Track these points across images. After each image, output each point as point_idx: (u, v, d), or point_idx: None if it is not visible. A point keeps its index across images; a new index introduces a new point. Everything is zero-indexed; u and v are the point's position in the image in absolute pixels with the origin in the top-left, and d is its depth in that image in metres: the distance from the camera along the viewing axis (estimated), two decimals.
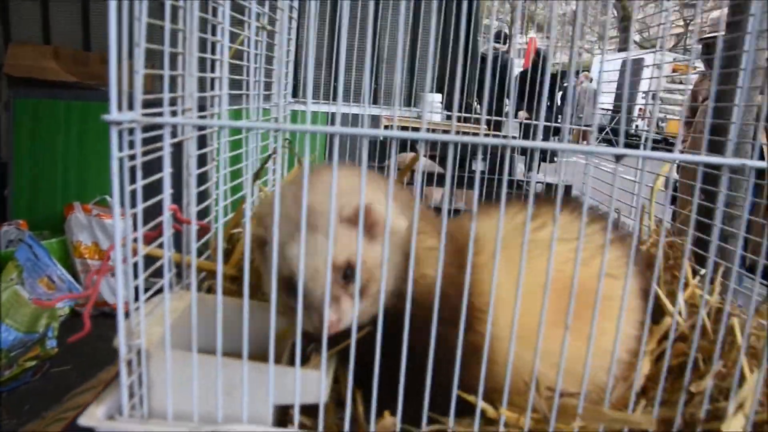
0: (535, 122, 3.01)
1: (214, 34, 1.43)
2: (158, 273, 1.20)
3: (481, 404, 1.08)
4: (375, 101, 4.87)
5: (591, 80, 12.94)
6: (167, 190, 1.04)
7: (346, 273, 1.16)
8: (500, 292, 1.16)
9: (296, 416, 1.05)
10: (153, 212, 1.12)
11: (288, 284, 1.14)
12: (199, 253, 1.50)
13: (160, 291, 1.21)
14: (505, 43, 7.73)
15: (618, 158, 0.97)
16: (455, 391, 1.06)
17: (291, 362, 1.09)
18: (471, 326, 1.18)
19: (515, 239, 1.26)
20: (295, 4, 2.21)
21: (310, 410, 1.10)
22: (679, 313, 1.44)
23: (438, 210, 1.37)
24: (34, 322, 4.16)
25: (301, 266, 1.03)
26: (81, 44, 5.97)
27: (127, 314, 1.04)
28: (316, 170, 1.30)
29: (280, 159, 1.80)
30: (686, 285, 1.56)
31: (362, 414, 1.13)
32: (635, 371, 1.24)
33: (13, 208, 5.33)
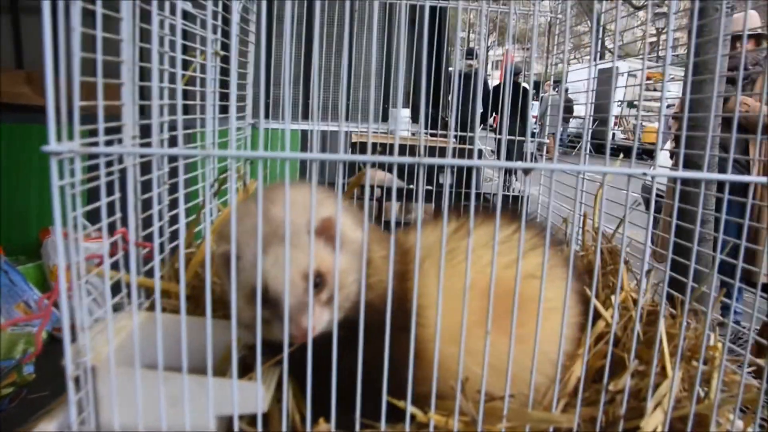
0: (498, 136, 3.09)
1: (161, 63, 1.49)
2: (114, 293, 1.25)
3: (410, 409, 1.13)
4: (346, 117, 4.94)
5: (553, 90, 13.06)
6: (105, 219, 1.10)
7: (316, 282, 1.22)
8: (428, 296, 1.23)
9: (236, 426, 1.10)
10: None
11: (257, 296, 1.17)
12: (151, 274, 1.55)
13: (114, 311, 1.26)
14: (476, 59, 7.85)
15: (526, 172, 1.04)
16: (384, 396, 1.12)
17: (240, 374, 1.15)
18: (405, 329, 1.24)
19: (439, 248, 1.35)
20: (251, 27, 2.28)
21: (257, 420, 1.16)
22: (611, 317, 1.51)
23: (388, 224, 1.44)
24: (10, 348, 4.15)
25: (287, 275, 1.11)
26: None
27: (73, 335, 1.10)
28: (271, 188, 1.38)
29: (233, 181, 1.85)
30: (622, 289, 1.63)
31: (299, 422, 1.19)
32: (564, 372, 1.30)
33: None
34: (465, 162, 1.01)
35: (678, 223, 1.35)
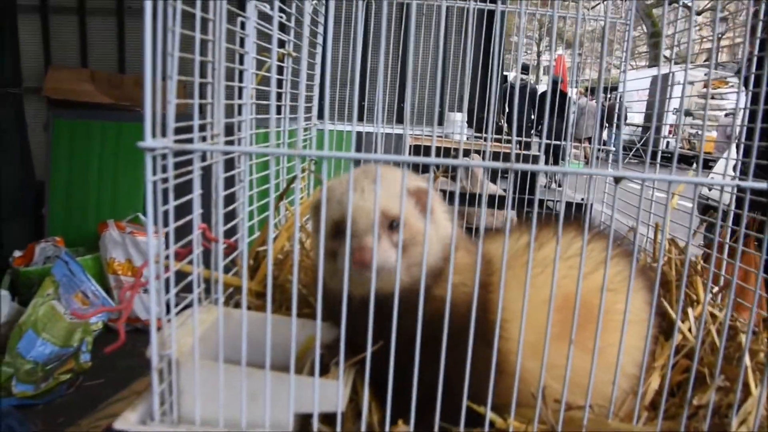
0: (546, 141, 3.05)
1: (241, 63, 1.52)
2: (189, 288, 1.28)
3: (489, 414, 1.13)
4: (401, 121, 4.96)
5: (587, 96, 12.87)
6: (197, 211, 1.13)
7: (392, 223, 1.25)
8: (509, 308, 1.22)
9: (315, 424, 1.11)
10: (184, 231, 1.21)
11: (336, 229, 1.25)
12: (228, 270, 1.59)
13: (190, 305, 1.29)
14: (530, 74, 7.87)
15: (617, 180, 1.03)
16: (465, 402, 1.12)
17: (313, 373, 1.16)
18: (486, 340, 1.24)
19: (518, 259, 1.34)
20: (320, 29, 2.30)
21: (331, 419, 1.17)
22: (689, 330, 1.48)
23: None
24: (69, 336, 4.29)
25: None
26: (116, 67, 6.19)
27: (159, 327, 1.12)
28: (365, 167, 1.42)
29: (299, 182, 1.87)
30: (697, 302, 1.59)
31: (377, 423, 1.19)
32: (642, 384, 1.28)
33: (49, 226, 5.53)
34: (555, 169, 1.00)
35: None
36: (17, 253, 5.09)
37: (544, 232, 1.48)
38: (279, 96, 1.86)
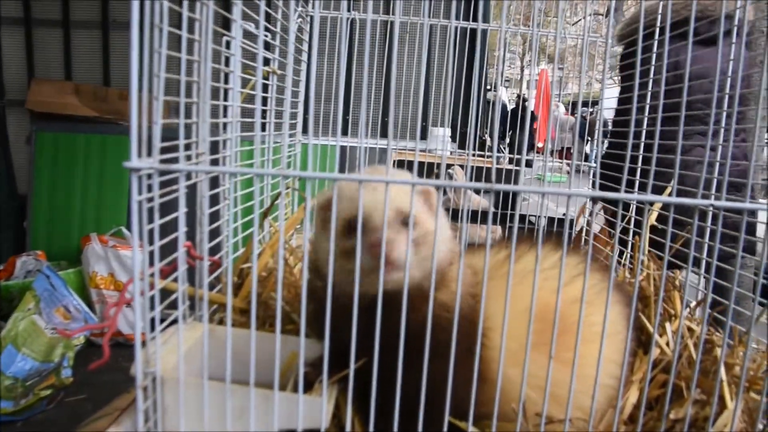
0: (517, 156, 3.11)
1: (226, 81, 1.54)
2: (173, 305, 1.29)
3: (471, 430, 1.15)
4: (384, 135, 5.01)
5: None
6: (182, 229, 1.14)
7: (404, 220, 1.27)
8: (492, 318, 1.24)
9: None
10: (169, 247, 1.22)
11: (349, 226, 1.26)
12: (212, 287, 1.59)
13: (174, 322, 1.29)
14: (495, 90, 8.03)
15: (594, 201, 1.06)
16: (446, 416, 1.14)
17: (296, 390, 1.17)
18: (470, 350, 1.26)
19: (497, 271, 1.38)
20: (305, 46, 2.33)
21: None
22: (667, 344, 1.51)
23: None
24: (50, 351, 4.25)
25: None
26: (101, 80, 6.17)
27: (143, 344, 1.13)
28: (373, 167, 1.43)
29: (284, 198, 1.89)
30: (675, 317, 1.63)
31: None
32: (620, 398, 1.30)
33: (31, 239, 5.49)
34: (534, 189, 1.02)
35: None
36: None
37: (522, 247, 1.51)
38: (264, 113, 1.88)
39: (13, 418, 3.82)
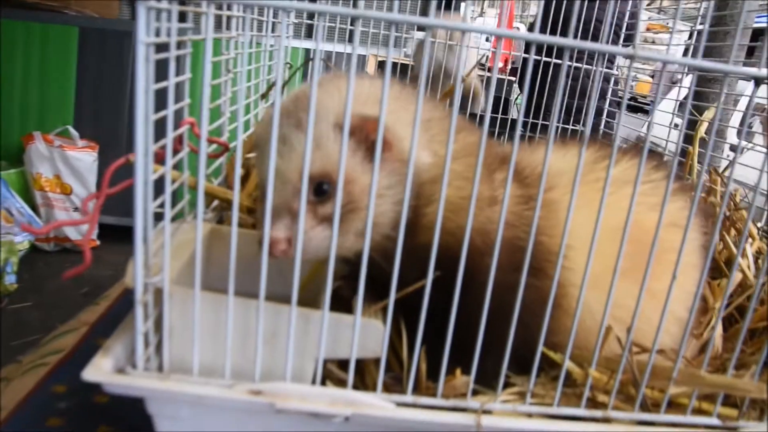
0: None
1: None
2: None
3: (567, 364, 0.91)
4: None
5: None
6: (186, 99, 0.83)
7: (319, 187, 0.96)
8: (574, 233, 0.98)
9: (351, 374, 0.87)
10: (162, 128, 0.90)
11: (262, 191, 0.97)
12: (209, 180, 1.30)
13: (173, 220, 1.00)
14: None
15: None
16: (540, 349, 0.90)
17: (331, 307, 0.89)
18: (543, 271, 1.02)
19: (584, 176, 1.10)
20: None
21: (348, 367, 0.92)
22: (748, 268, 1.30)
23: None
24: None
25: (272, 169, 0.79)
26: None
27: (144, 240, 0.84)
28: (339, 75, 1.11)
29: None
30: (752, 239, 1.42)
31: (425, 372, 0.95)
32: (706, 330, 1.10)
33: None
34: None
35: None
36: None
37: (592, 150, 1.26)
38: None
39: None
